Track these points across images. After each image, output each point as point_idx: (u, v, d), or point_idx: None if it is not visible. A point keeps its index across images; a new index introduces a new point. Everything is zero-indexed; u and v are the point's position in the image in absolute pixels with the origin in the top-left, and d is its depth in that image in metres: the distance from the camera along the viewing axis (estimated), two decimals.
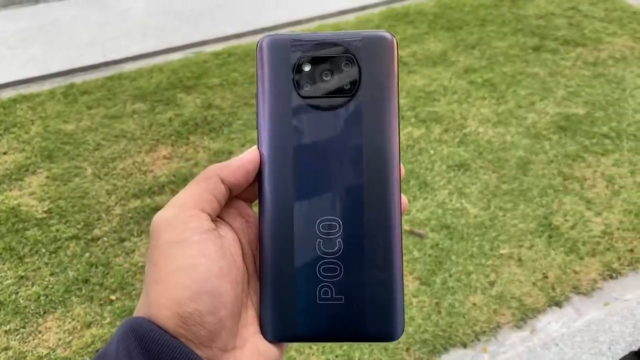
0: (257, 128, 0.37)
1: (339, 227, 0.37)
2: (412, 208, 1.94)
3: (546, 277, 1.73)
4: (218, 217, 0.37)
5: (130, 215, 1.95)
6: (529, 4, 3.17)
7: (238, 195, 0.38)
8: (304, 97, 0.37)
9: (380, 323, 0.37)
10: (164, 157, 2.19)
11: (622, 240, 1.84)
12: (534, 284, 1.72)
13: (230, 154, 2.19)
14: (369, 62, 0.37)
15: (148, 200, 2.00)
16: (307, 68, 0.37)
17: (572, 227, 1.88)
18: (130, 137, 2.30)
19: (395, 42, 0.37)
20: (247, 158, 0.37)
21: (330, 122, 0.37)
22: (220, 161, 2.13)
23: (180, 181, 2.07)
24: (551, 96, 2.45)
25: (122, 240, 1.87)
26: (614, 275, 1.75)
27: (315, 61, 0.37)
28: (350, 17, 3.18)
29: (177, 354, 0.31)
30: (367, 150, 0.37)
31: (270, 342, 0.36)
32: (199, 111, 2.43)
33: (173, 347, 0.31)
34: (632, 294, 1.71)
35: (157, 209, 1.96)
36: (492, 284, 1.72)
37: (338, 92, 0.37)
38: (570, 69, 2.62)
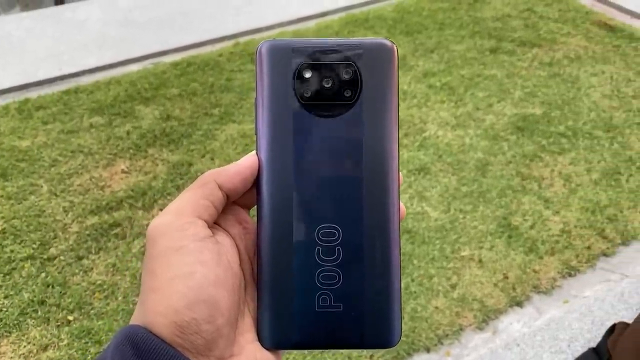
0: (255, 134, 0.37)
1: (339, 234, 0.37)
2: None
3: (507, 278, 1.75)
4: (215, 224, 0.36)
5: (87, 232, 1.91)
6: (485, 6, 3.22)
7: (236, 202, 0.38)
8: (303, 104, 0.37)
9: (378, 330, 0.37)
10: (122, 172, 2.15)
11: (580, 238, 1.87)
12: (495, 284, 1.73)
13: (190, 165, 2.16)
14: (369, 69, 0.37)
15: (106, 217, 1.96)
16: (307, 74, 0.37)
17: (531, 227, 1.90)
18: (87, 152, 2.25)
19: (395, 49, 0.37)
20: (245, 164, 0.37)
21: (330, 129, 0.37)
22: (179, 173, 2.11)
23: (138, 195, 2.03)
24: (508, 97, 2.49)
25: (80, 258, 1.83)
26: (572, 272, 1.78)
27: (316, 68, 0.37)
28: (311, 24, 3.17)
29: None
30: (367, 158, 0.37)
31: (267, 349, 0.36)
32: (157, 123, 2.39)
33: (170, 356, 0.30)
34: (590, 290, 1.74)
35: (115, 225, 1.93)
36: (453, 286, 1.72)
37: (338, 99, 0.37)
38: (526, 70, 2.67)
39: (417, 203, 1.99)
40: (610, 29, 2.94)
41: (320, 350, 1.57)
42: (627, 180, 2.07)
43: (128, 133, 2.34)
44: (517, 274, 1.76)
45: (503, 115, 2.38)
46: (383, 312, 0.37)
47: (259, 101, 0.37)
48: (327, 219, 0.37)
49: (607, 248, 1.84)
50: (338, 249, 0.37)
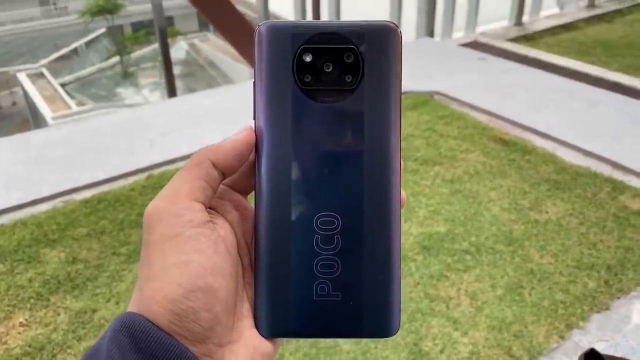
0: (253, 119, 0.36)
1: (338, 223, 0.36)
2: (283, 350, 1.90)
3: None
4: (213, 209, 0.36)
5: None
6: None
7: (233, 187, 0.37)
8: (303, 89, 0.36)
9: (377, 319, 0.36)
10: (21, 325, 2.04)
11: (488, 359, 1.88)
12: None
13: (93, 312, 2.08)
14: (372, 53, 0.36)
15: None
16: (308, 58, 0.36)
17: (441, 351, 1.91)
18: None
19: (399, 32, 0.36)
20: (238, 139, 0.35)
21: (330, 115, 0.36)
22: (81, 322, 2.02)
23: (36, 352, 1.92)
24: (414, 217, 2.58)
25: None
26: None
27: (316, 51, 0.36)
28: None
29: (171, 351, 0.30)
30: (368, 145, 0.36)
31: (264, 337, 0.36)
32: (62, 267, 2.32)
33: (167, 344, 0.30)
34: None
35: None
36: None
37: (339, 84, 0.36)
38: (430, 188, 2.79)
39: None
40: (505, 143, 3.16)
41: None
42: (529, 294, 2.14)
43: (30, 280, 2.25)
44: None
45: (409, 235, 2.45)
46: (382, 301, 0.36)
47: (257, 85, 0.36)
48: (326, 207, 0.36)
49: None
50: (337, 237, 0.36)
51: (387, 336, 0.37)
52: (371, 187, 0.36)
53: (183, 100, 4.08)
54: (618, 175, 2.88)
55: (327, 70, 0.36)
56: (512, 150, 3.11)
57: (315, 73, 0.36)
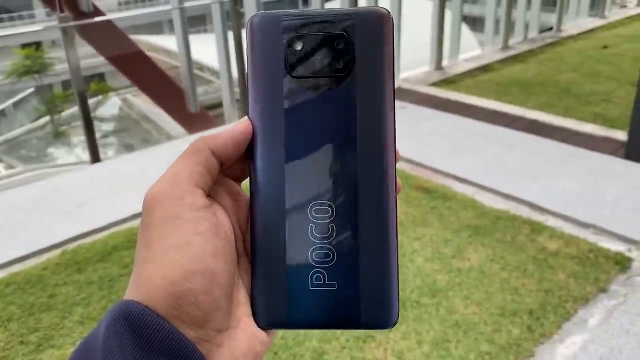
0: (247, 110, 0.36)
1: (332, 211, 0.35)
2: None
3: None
4: (208, 196, 0.35)
5: None
6: None
7: (227, 174, 0.37)
8: (295, 78, 0.35)
9: (375, 310, 0.35)
10: None
11: None
12: None
13: None
14: (363, 40, 0.35)
15: None
16: (298, 47, 0.35)
17: None
18: None
19: (391, 18, 0.35)
20: (238, 129, 0.35)
21: (323, 103, 0.35)
22: None
23: None
24: None
25: None
26: None
27: (306, 40, 0.35)
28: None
29: (169, 339, 0.30)
30: (361, 133, 0.35)
31: (262, 328, 0.35)
32: None
33: (166, 331, 0.30)
34: None
35: None
36: None
37: (330, 72, 0.35)
38: None
39: None
40: (427, 191, 3.21)
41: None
42: (456, 348, 2.13)
43: None
44: None
45: None
46: (379, 292, 0.35)
47: (250, 76, 0.36)
48: (320, 196, 0.35)
49: None
50: (332, 226, 0.35)
51: (385, 328, 0.36)
52: (366, 174, 0.35)
53: (103, 167, 3.96)
54: (536, 216, 2.95)
55: (318, 58, 0.36)
56: (433, 198, 3.15)
57: (307, 61, 0.36)
